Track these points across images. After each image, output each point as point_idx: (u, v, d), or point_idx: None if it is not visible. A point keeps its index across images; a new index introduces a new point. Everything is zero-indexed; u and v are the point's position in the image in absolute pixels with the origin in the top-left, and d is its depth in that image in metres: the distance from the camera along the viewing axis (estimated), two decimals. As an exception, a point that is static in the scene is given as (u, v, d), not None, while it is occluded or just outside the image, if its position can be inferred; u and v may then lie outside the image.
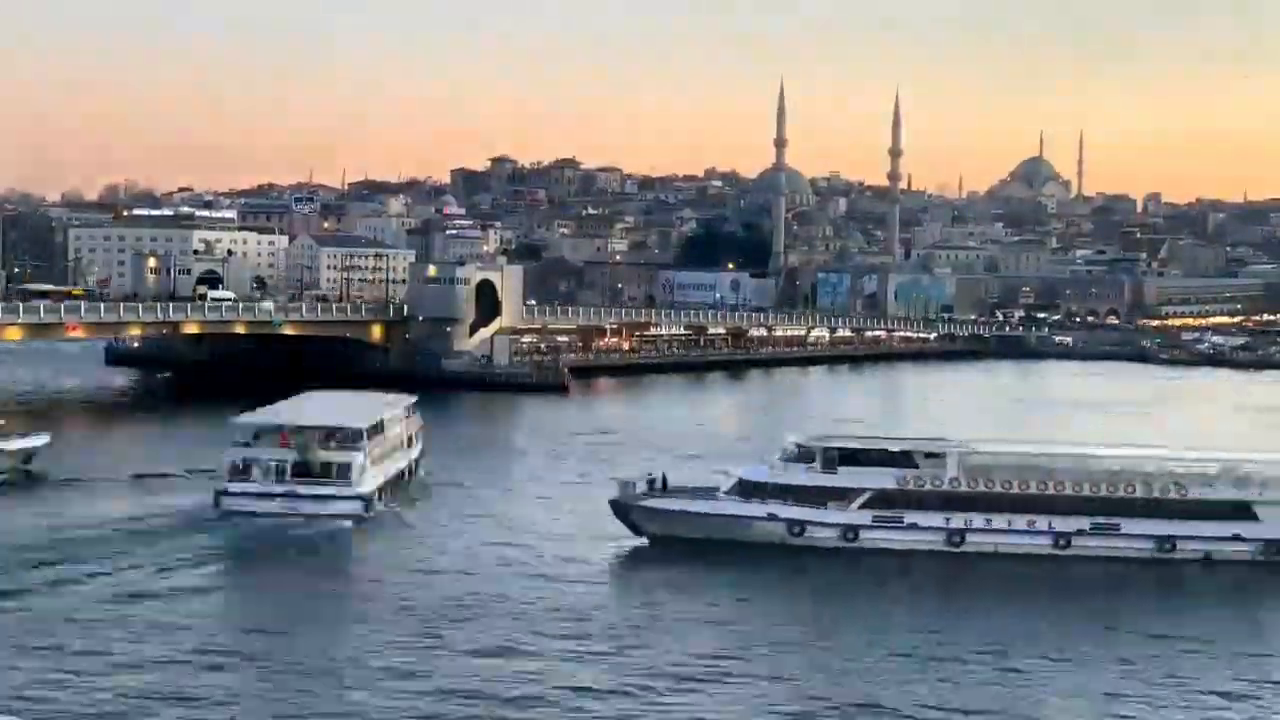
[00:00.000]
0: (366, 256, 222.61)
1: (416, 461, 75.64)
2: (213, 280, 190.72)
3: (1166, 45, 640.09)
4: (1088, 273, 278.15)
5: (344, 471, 62.72)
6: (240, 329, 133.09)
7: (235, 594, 52.50)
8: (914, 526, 58.64)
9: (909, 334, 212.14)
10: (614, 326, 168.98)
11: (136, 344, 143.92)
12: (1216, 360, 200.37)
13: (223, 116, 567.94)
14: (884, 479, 59.09)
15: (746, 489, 59.74)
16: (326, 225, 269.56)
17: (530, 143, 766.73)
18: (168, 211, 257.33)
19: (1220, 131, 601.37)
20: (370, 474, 64.06)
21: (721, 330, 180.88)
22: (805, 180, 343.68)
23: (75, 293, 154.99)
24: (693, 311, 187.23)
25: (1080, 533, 58.74)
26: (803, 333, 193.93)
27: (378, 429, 68.14)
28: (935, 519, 58.59)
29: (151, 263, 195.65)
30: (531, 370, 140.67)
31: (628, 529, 60.57)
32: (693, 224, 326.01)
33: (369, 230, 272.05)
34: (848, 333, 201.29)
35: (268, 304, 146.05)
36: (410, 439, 75.82)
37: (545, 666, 42.51)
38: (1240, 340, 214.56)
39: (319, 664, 42.35)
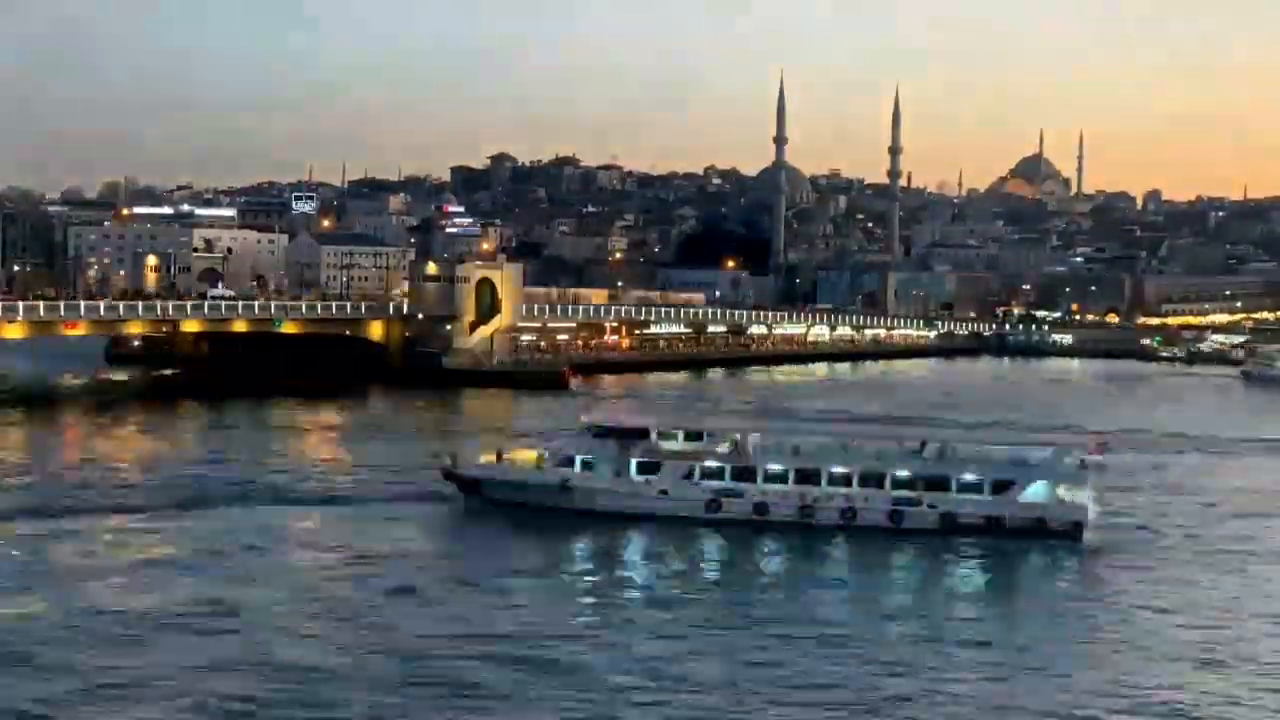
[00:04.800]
0: (366, 254, 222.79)
1: None
2: (213, 278, 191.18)
3: (1167, 42, 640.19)
4: (1087, 270, 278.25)
5: None
6: (240, 327, 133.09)
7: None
8: None
9: (909, 332, 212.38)
10: (614, 325, 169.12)
11: (137, 342, 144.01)
12: (1217, 358, 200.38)
13: (223, 114, 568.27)
14: None
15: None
16: (326, 223, 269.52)
17: (530, 140, 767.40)
18: (167, 210, 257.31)
19: (1220, 128, 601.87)
20: None
21: (722, 328, 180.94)
22: (805, 178, 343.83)
23: None
24: (693, 310, 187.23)
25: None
26: (802, 330, 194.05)
27: None
28: None
29: (151, 260, 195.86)
30: (532, 367, 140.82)
31: None
32: (692, 222, 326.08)
33: (369, 228, 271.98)
34: (847, 330, 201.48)
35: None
36: None
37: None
38: (1241, 338, 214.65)
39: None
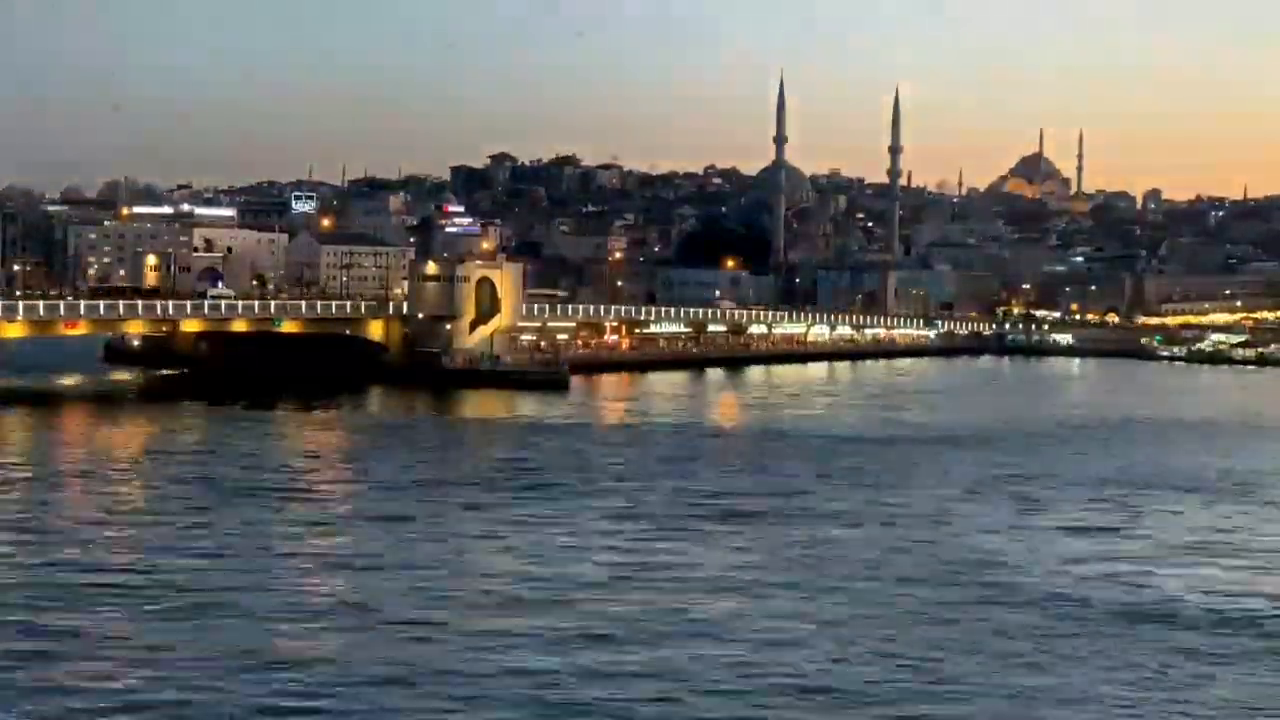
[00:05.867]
0: (366, 254, 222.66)
1: None
2: (212, 277, 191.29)
3: (1167, 41, 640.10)
4: (1087, 270, 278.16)
5: None
6: (240, 326, 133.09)
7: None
8: None
9: (909, 331, 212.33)
10: (613, 324, 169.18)
11: (136, 342, 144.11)
12: (1217, 358, 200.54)
13: (222, 113, 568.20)
14: None
15: None
16: (326, 223, 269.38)
17: (530, 140, 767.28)
18: (167, 209, 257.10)
19: (1220, 128, 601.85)
20: None
21: (722, 328, 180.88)
22: (805, 178, 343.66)
23: None
24: (692, 310, 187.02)
25: None
26: (802, 330, 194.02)
27: None
28: None
29: (151, 260, 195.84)
30: (532, 367, 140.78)
31: None
32: (692, 221, 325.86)
33: (369, 228, 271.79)
34: (847, 330, 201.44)
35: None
36: None
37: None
38: (1241, 338, 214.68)
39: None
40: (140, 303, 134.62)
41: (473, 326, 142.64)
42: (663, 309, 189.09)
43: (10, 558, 51.70)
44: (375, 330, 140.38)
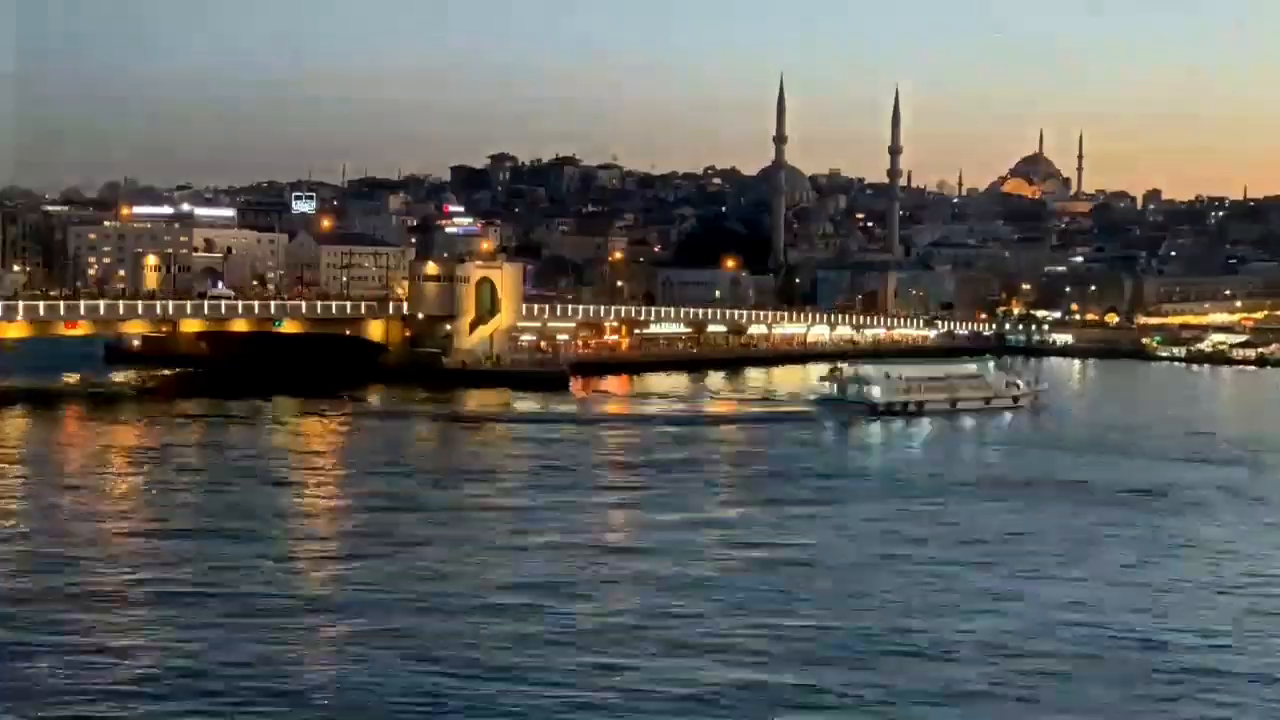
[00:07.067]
0: (366, 254, 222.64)
1: None
2: (213, 278, 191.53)
3: (1167, 41, 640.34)
4: (1087, 270, 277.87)
5: None
6: (240, 326, 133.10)
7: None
8: None
9: (909, 331, 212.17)
10: (613, 324, 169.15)
11: (136, 342, 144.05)
12: (1217, 359, 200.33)
13: (222, 113, 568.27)
14: None
15: None
16: (326, 223, 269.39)
17: (530, 140, 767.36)
18: (168, 210, 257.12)
19: (1220, 128, 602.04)
20: None
21: (722, 328, 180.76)
22: (805, 177, 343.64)
23: None
24: (692, 310, 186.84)
25: None
26: (802, 330, 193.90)
27: None
28: None
29: (151, 260, 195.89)
30: (532, 367, 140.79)
31: None
32: (692, 221, 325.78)
33: (369, 228, 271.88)
34: (847, 330, 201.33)
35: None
36: None
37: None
38: (1241, 338, 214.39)
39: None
40: (140, 303, 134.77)
41: (473, 326, 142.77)
42: (663, 309, 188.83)
43: (11, 558, 51.72)
44: (375, 330, 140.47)
